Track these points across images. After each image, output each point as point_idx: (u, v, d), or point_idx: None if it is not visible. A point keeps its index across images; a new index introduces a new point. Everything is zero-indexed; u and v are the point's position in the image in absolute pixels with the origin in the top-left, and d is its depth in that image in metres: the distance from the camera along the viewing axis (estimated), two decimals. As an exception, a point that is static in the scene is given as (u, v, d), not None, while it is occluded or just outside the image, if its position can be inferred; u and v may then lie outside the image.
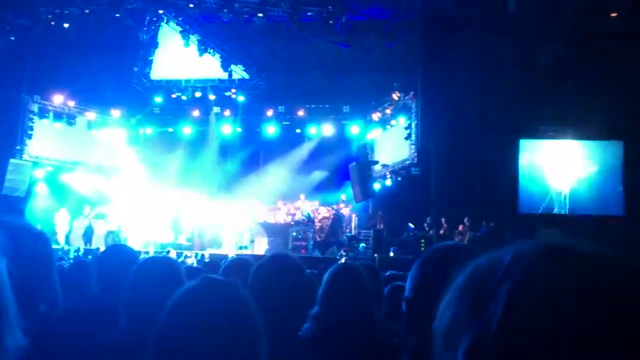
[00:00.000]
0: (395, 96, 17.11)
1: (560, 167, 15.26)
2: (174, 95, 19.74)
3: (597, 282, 0.59)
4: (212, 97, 19.61)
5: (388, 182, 17.20)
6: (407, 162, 16.29)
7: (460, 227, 14.32)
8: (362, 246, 15.96)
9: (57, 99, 18.64)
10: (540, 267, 0.61)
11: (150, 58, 19.49)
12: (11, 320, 0.86)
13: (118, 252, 2.96)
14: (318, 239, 16.97)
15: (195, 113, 19.94)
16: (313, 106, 19.41)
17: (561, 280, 0.59)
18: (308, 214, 17.73)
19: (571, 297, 0.58)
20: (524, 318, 0.58)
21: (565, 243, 0.64)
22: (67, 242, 16.75)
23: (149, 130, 20.65)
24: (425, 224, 15.25)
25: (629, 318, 0.57)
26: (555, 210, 15.09)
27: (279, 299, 2.02)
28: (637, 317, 0.57)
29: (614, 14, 13.68)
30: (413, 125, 16.17)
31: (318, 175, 19.18)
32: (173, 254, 11.26)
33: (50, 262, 1.56)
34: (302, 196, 18.58)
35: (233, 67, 18.72)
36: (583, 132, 15.25)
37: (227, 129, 19.88)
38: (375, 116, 18.43)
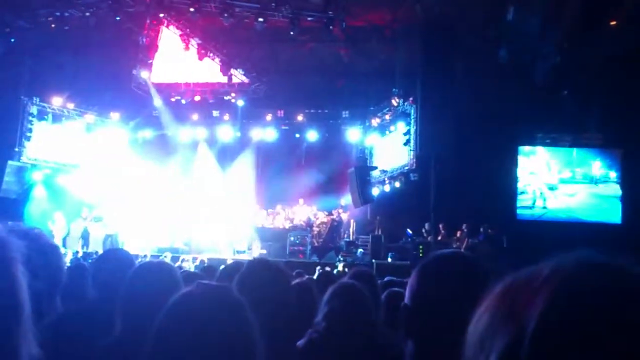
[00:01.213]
0: (394, 102, 17.12)
1: (558, 175, 15.29)
2: (173, 99, 19.75)
3: (637, 298, 0.59)
4: (211, 100, 19.62)
5: (387, 188, 17.19)
6: (406, 168, 16.29)
7: (458, 234, 14.29)
8: (360, 252, 15.94)
9: (56, 101, 18.61)
10: (580, 278, 0.61)
11: (149, 61, 19.50)
12: (27, 331, 0.86)
13: (115, 257, 2.95)
14: (316, 244, 16.93)
15: (195, 117, 19.96)
16: (312, 111, 19.43)
17: (600, 292, 0.59)
18: (309, 218, 17.72)
19: (609, 310, 0.58)
20: (561, 326, 0.58)
21: (605, 258, 0.64)
22: (64, 245, 16.70)
23: (147, 134, 20.65)
24: (424, 230, 15.22)
25: None
26: (553, 218, 15.10)
27: (262, 304, 1.98)
28: None
29: (612, 22, 13.72)
30: (412, 131, 16.17)
31: (316, 180, 19.15)
32: (170, 258, 11.23)
33: (59, 274, 1.57)
34: (301, 201, 18.57)
35: (233, 71, 18.71)
36: (581, 139, 15.29)
37: (226, 133, 19.88)
38: (374, 122, 18.44)
